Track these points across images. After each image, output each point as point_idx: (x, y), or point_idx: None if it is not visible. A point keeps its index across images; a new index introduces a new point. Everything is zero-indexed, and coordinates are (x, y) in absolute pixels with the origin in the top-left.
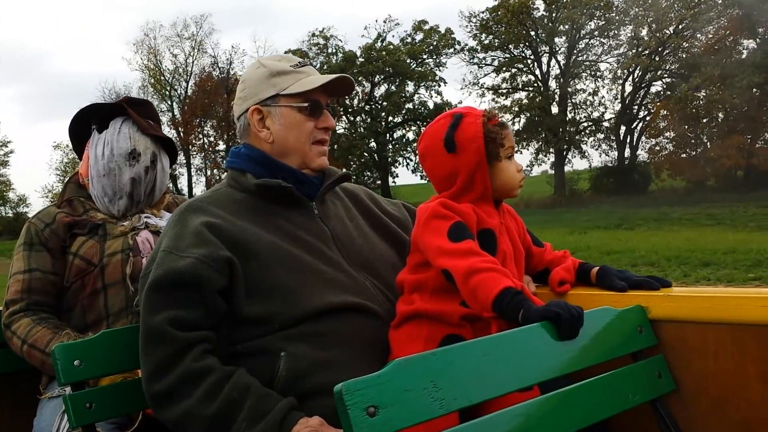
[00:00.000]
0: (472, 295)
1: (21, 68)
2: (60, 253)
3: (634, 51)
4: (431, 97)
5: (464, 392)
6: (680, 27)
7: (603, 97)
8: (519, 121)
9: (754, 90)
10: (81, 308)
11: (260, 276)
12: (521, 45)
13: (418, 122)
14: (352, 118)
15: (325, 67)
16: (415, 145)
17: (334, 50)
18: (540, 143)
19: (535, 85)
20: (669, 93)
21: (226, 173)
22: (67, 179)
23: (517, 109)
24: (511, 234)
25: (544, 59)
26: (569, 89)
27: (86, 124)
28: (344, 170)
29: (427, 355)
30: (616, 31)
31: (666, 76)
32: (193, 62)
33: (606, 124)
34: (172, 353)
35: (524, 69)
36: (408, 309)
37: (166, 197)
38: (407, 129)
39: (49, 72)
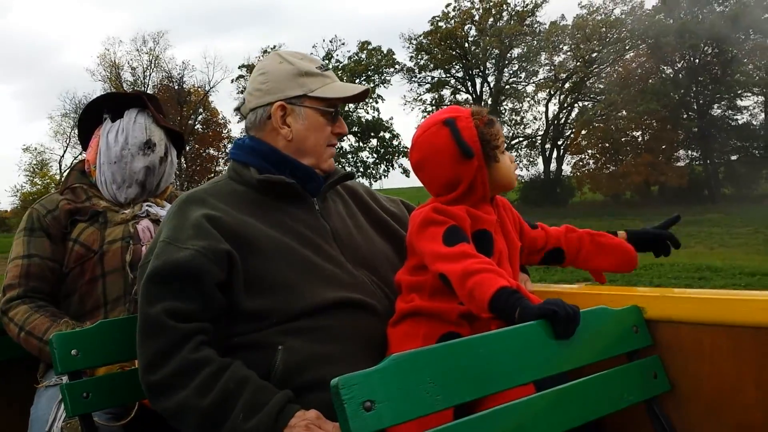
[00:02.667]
0: (470, 298)
1: (22, 65)
2: (60, 239)
3: (553, 76)
4: (368, 112)
5: (460, 388)
6: (595, 56)
7: (523, 117)
8: None
9: (662, 111)
10: (79, 295)
11: (260, 270)
12: (456, 66)
13: (358, 135)
14: None
15: None
16: (350, 156)
17: None
18: None
19: (471, 103)
20: (581, 116)
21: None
22: (70, 167)
23: None
24: (506, 230)
25: (479, 80)
26: (500, 108)
27: (95, 113)
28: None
29: (424, 351)
30: (535, 58)
31: (585, 99)
32: (150, 75)
33: (536, 140)
34: (169, 344)
35: (460, 88)
36: (407, 307)
37: (169, 188)
38: (344, 141)
39: (49, 69)
